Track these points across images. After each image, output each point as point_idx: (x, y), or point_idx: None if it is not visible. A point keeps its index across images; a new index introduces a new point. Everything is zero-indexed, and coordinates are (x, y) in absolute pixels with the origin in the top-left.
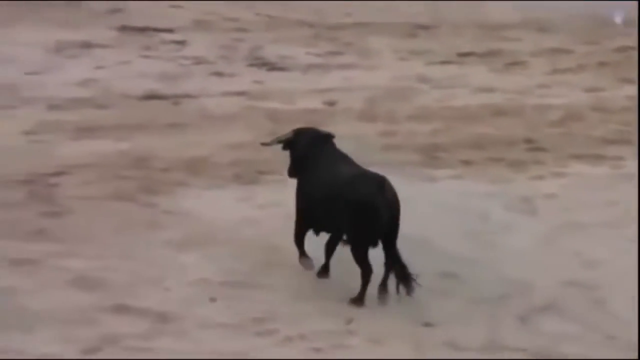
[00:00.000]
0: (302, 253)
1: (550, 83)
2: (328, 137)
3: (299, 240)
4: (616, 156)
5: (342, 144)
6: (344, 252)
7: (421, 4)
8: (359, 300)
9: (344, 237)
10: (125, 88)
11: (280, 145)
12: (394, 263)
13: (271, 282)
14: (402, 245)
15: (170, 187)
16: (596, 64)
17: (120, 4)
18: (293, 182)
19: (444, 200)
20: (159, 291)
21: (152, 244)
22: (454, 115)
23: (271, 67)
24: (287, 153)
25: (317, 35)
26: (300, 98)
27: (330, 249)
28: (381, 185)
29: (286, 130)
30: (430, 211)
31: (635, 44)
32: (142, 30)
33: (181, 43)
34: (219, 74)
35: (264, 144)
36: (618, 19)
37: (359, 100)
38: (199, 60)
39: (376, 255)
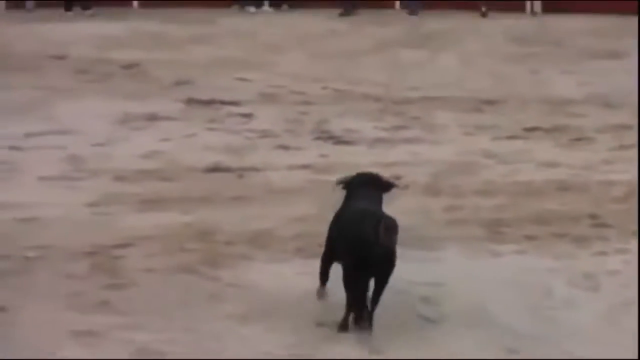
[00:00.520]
0: (322, 283)
1: (615, 159)
2: (377, 181)
3: (322, 271)
4: None
5: (407, 219)
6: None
7: (487, 79)
8: (341, 326)
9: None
10: (190, 160)
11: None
12: (372, 302)
13: (332, 356)
14: (463, 318)
15: (234, 260)
16: None
17: (187, 77)
18: None
19: (507, 276)
20: None
21: (215, 317)
22: (519, 190)
23: (337, 140)
24: None
25: (383, 109)
26: None
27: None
28: (379, 223)
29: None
30: (493, 286)
31: None
32: (208, 103)
33: (247, 116)
34: (284, 147)
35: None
36: None
37: (424, 174)
38: (264, 134)
39: None
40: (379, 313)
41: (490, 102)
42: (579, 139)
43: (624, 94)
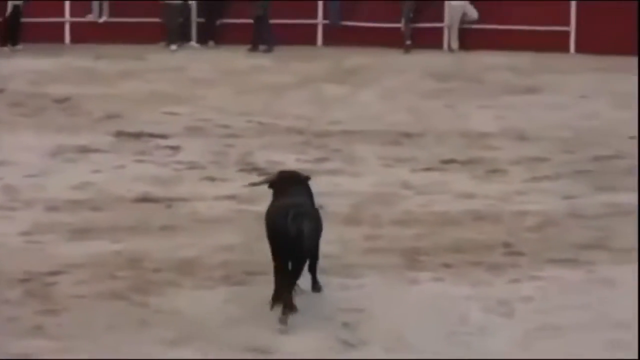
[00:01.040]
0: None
1: (528, 190)
2: (301, 178)
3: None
4: (591, 261)
5: (329, 248)
6: None
7: (406, 113)
8: (272, 301)
9: None
10: (120, 191)
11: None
12: (290, 279)
13: None
14: (382, 343)
15: (162, 287)
16: (572, 172)
17: (117, 110)
18: None
19: (424, 302)
20: None
21: (144, 341)
22: (436, 220)
23: (261, 172)
24: None
25: (306, 142)
26: None
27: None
28: (287, 213)
29: None
30: (411, 312)
31: (609, 153)
32: (137, 135)
33: (175, 148)
34: (210, 179)
35: (252, 185)
36: None
37: (345, 205)
38: (191, 165)
39: None
40: (300, 339)
41: (408, 136)
42: (494, 171)
43: (539, 127)
